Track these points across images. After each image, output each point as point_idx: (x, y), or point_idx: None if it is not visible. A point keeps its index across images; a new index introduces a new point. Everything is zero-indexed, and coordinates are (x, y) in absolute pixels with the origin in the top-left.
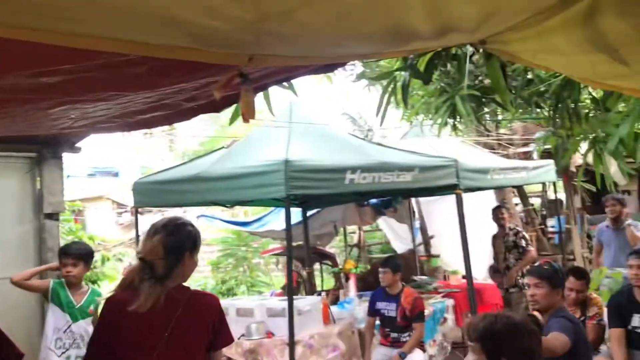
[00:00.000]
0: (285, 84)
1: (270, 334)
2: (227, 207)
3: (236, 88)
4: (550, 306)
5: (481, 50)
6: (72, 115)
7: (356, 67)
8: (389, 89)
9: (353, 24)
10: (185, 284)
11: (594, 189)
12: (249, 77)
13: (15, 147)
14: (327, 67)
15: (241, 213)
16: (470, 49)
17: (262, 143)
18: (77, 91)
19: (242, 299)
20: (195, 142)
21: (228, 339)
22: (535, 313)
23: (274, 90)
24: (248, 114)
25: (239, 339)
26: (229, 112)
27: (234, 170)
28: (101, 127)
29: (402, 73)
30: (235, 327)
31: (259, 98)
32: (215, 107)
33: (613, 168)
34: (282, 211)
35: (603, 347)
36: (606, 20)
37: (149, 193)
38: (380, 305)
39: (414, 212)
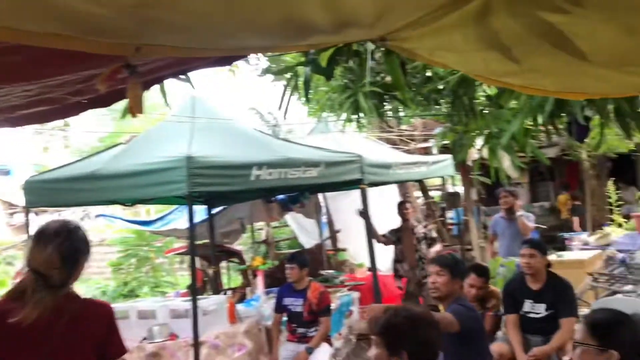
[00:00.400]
0: (182, 77)
1: (174, 336)
2: (127, 205)
3: (124, 81)
4: (450, 294)
5: (381, 47)
6: None
7: (261, 61)
8: (291, 84)
9: (246, 13)
10: (84, 287)
11: (489, 182)
12: (137, 69)
13: None
14: (225, 60)
15: (143, 212)
16: (371, 46)
17: (163, 139)
18: None
19: (145, 300)
20: (94, 138)
21: (119, 351)
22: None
23: (175, 84)
24: (136, 109)
25: (140, 342)
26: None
27: (133, 167)
28: None
29: (304, 68)
30: (137, 330)
31: (154, 91)
32: (105, 101)
33: (506, 162)
34: (186, 209)
35: (499, 333)
36: (499, 19)
37: (41, 192)
38: (287, 301)
39: (321, 207)
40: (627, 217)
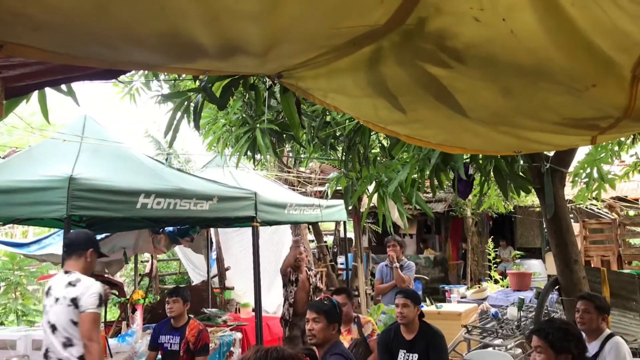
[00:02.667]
0: (64, 89)
1: None
2: None
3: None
4: (327, 340)
5: (277, 83)
6: None
7: (162, 88)
8: (181, 109)
9: (121, 21)
10: None
11: (379, 230)
12: (1, 71)
13: None
14: (107, 74)
15: (18, 233)
16: (268, 82)
17: (47, 156)
18: None
19: (7, 329)
20: None
21: None
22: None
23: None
24: None
25: None
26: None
27: (9, 183)
28: None
29: (196, 95)
30: None
31: (33, 99)
32: None
33: (395, 213)
34: None
35: None
36: (388, 67)
37: None
38: (164, 338)
39: (212, 242)
40: (503, 274)
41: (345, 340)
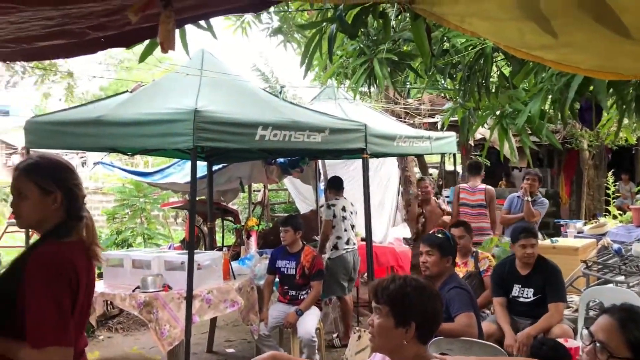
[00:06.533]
0: (204, 24)
1: (166, 287)
2: (128, 155)
3: (151, 19)
4: (441, 273)
5: (407, 10)
6: None
7: (273, 21)
8: (315, 40)
9: None
10: None
11: (488, 162)
12: (171, 3)
13: None
14: (255, 6)
15: (141, 163)
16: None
17: (170, 90)
18: None
19: (139, 250)
20: (95, 86)
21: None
22: None
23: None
24: (167, 44)
25: (133, 291)
26: (132, 55)
27: (139, 116)
28: None
29: (330, 25)
30: (131, 279)
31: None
32: (125, 40)
33: (505, 146)
34: (186, 164)
35: (486, 311)
36: None
37: (43, 134)
38: (280, 263)
39: (320, 173)
40: (620, 209)
41: (461, 272)
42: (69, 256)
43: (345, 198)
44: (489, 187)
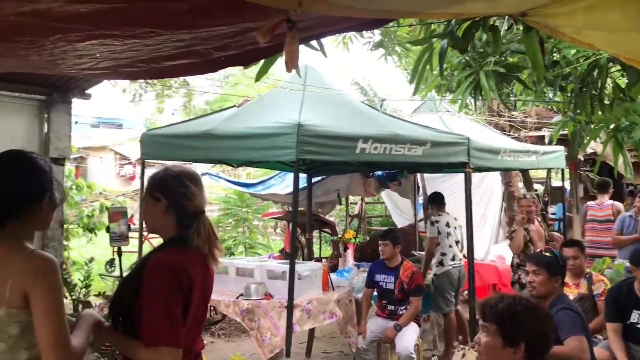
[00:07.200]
0: (315, 44)
1: (268, 296)
2: (233, 166)
3: (275, 39)
4: (549, 293)
5: (520, 22)
6: (97, 54)
7: (375, 35)
8: (425, 57)
9: None
10: None
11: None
12: (296, 24)
13: (25, 88)
14: (371, 23)
15: (244, 175)
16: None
17: (275, 104)
18: (111, 24)
19: (242, 259)
20: (201, 100)
21: None
22: None
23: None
24: (291, 63)
25: (237, 298)
26: (237, 71)
27: (246, 129)
28: (123, 72)
29: (440, 40)
30: (235, 286)
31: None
32: (244, 60)
33: (620, 160)
34: (287, 176)
35: (598, 336)
36: None
37: (156, 146)
38: (379, 277)
39: (418, 187)
40: None
41: (572, 294)
42: (183, 264)
43: (448, 213)
44: (616, 202)
